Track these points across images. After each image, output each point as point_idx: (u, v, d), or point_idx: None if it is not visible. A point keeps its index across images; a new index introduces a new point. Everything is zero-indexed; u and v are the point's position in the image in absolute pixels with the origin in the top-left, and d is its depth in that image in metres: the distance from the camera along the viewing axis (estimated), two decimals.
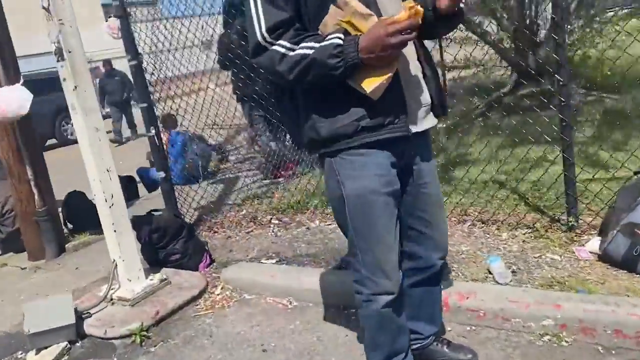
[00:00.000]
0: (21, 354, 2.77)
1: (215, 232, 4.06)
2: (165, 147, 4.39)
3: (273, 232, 3.80)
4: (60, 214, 4.53)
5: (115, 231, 2.95)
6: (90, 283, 3.47)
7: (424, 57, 1.73)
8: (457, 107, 5.70)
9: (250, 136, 6.28)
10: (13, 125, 3.97)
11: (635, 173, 2.62)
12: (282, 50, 1.52)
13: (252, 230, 3.92)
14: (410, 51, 1.64)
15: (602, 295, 2.22)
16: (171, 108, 5.15)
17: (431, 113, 1.75)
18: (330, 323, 2.58)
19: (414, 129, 1.65)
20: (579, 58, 6.40)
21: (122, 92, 11.52)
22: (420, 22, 1.48)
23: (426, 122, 1.72)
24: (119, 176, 3.05)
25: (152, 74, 4.10)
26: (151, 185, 5.75)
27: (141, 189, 5.88)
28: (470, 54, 5.75)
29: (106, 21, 4.70)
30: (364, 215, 1.68)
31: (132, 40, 3.76)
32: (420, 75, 1.69)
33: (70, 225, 4.69)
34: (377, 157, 1.64)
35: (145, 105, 3.86)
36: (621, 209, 2.51)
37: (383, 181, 1.66)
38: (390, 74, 1.52)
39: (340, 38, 1.49)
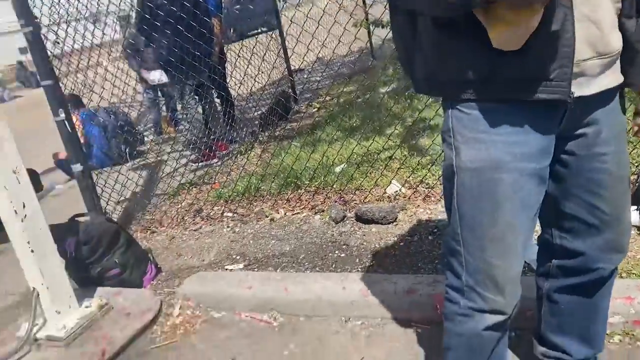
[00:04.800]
0: None
1: (153, 232, 3.36)
2: (81, 134, 3.59)
3: (229, 227, 3.17)
4: None
5: (32, 252, 2.20)
6: None
7: None
8: None
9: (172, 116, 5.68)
10: None
11: None
12: None
13: (200, 227, 3.27)
14: None
15: None
16: (72, 88, 4.35)
17: (616, 66, 1.15)
18: (333, 343, 2.06)
19: (581, 91, 1.09)
20: None
21: None
22: None
23: (605, 79, 1.13)
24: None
25: (57, 42, 3.25)
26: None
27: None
28: None
29: None
30: (480, 199, 1.16)
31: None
32: (610, 10, 1.09)
33: None
34: (516, 115, 1.10)
35: (49, 83, 3.03)
36: None
37: (519, 152, 1.12)
38: (529, 24, 0.99)
39: None
